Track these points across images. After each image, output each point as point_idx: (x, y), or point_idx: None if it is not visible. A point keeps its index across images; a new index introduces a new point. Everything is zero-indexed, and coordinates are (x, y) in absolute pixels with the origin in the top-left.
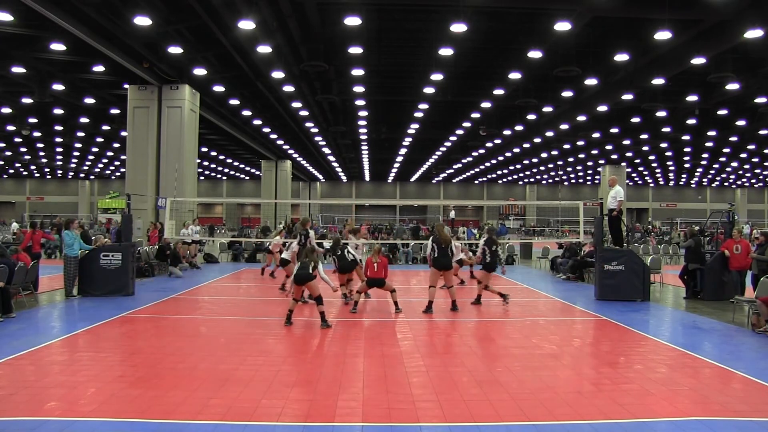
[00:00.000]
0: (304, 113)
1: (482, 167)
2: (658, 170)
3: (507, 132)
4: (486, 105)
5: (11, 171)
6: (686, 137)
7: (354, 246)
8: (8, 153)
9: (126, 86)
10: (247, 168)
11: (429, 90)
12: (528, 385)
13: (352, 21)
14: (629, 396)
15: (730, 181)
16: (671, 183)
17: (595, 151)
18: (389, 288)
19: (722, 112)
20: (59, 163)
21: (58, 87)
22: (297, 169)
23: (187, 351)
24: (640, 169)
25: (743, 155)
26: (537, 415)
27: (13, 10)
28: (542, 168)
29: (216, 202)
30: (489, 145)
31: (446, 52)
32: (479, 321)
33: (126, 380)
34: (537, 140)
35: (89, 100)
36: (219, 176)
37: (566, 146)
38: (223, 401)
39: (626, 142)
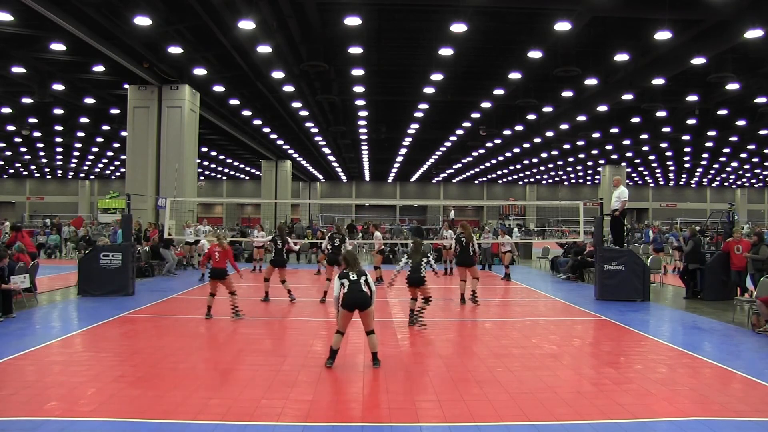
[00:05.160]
0: (304, 113)
1: (482, 167)
2: (658, 170)
3: (507, 132)
4: (486, 105)
5: (11, 171)
6: (686, 137)
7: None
8: (8, 153)
9: (126, 86)
10: (247, 168)
11: (429, 90)
12: (528, 385)
13: (352, 21)
14: (629, 396)
15: (730, 181)
16: (671, 183)
17: (595, 151)
18: (230, 287)
19: (722, 112)
20: (59, 163)
21: (58, 87)
22: (297, 169)
23: (187, 351)
24: (640, 169)
25: (743, 155)
26: (537, 415)
27: (13, 10)
28: (542, 168)
29: (216, 202)
30: (489, 145)
31: (446, 52)
32: (479, 321)
33: (126, 380)
34: (537, 140)
35: (89, 100)
36: (219, 176)
37: (566, 146)
38: (223, 401)
39: (626, 142)
